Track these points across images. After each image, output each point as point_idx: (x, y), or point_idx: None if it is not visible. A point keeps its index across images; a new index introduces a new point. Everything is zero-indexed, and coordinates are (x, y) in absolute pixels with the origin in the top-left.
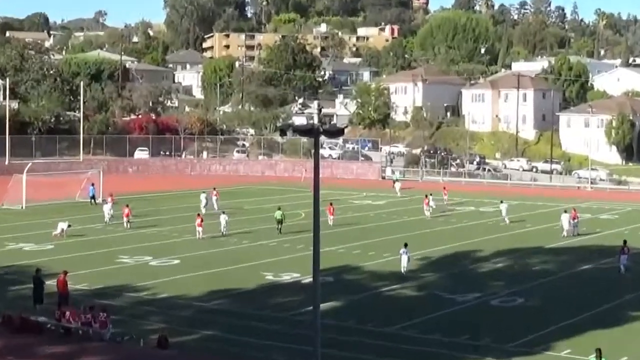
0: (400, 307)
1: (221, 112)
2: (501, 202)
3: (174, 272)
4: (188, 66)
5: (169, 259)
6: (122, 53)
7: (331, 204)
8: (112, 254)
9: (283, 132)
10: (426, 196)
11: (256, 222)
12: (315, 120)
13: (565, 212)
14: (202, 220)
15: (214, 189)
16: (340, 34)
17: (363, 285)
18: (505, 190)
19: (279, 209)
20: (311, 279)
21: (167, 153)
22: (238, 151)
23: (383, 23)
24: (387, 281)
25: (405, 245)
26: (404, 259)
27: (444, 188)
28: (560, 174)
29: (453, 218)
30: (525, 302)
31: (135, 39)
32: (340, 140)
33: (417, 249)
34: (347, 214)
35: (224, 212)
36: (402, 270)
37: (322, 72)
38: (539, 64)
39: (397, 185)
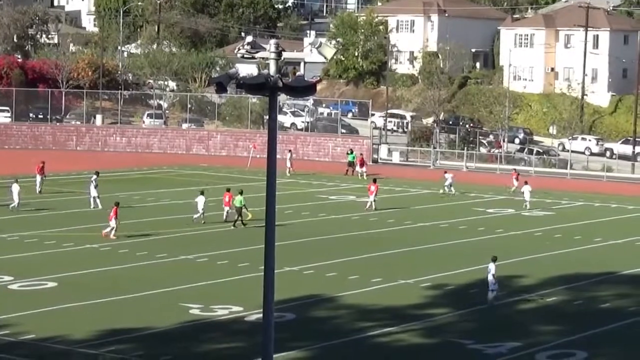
0: None
1: (125, 55)
2: (445, 172)
3: (46, 301)
4: None
5: (39, 280)
6: None
7: (227, 190)
8: None
9: (221, 88)
10: (374, 181)
11: (176, 225)
12: (272, 70)
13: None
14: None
15: (42, 163)
16: None
17: (341, 325)
18: (563, 184)
19: (241, 193)
20: (260, 315)
21: (40, 116)
22: (151, 115)
23: None
24: (379, 320)
25: (494, 259)
26: (491, 282)
27: (516, 175)
28: None
29: (481, 225)
30: (589, 357)
31: None
32: (309, 102)
33: (423, 272)
34: (317, 215)
35: (202, 193)
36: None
37: None
38: None
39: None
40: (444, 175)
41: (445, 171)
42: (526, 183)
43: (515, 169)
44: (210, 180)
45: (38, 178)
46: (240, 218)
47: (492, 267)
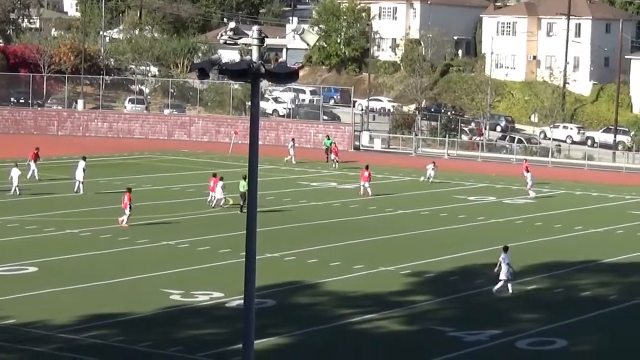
0: (380, 348)
1: (107, 40)
2: (433, 162)
3: (27, 286)
4: None
5: (20, 265)
6: None
7: (213, 175)
8: None
9: (203, 73)
10: (367, 167)
11: (156, 212)
12: (254, 56)
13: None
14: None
15: (37, 149)
16: None
17: (322, 312)
18: (544, 172)
19: (245, 178)
20: (241, 301)
21: (22, 100)
22: (132, 101)
23: None
24: (360, 307)
25: (505, 249)
26: (504, 271)
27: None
28: (630, 149)
29: (462, 213)
30: (569, 345)
31: None
32: (292, 89)
33: (404, 259)
34: (298, 202)
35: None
36: (509, 290)
37: None
38: None
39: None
40: (428, 166)
41: (433, 161)
42: (527, 170)
43: (526, 159)
44: (192, 166)
45: (32, 165)
46: (244, 203)
47: (504, 256)
